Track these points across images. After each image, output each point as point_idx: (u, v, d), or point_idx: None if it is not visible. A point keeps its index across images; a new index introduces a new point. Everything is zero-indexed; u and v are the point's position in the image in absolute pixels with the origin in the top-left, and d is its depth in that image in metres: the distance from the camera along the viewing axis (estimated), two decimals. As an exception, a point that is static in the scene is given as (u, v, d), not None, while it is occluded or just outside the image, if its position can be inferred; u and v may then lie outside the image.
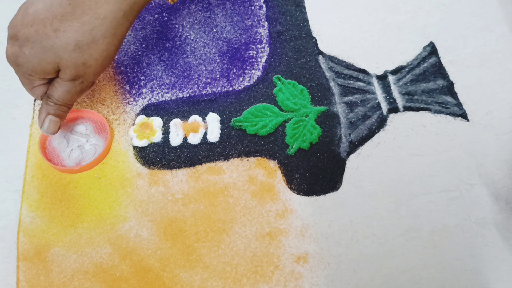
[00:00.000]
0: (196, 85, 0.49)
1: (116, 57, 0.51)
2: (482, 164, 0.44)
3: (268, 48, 0.51)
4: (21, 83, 0.40)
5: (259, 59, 0.51)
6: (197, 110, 0.48)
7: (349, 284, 0.39)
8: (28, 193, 0.44)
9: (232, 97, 0.48)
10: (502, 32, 0.51)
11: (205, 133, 0.46)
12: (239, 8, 0.54)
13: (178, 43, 0.52)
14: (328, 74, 0.49)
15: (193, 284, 0.40)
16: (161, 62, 0.51)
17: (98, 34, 0.37)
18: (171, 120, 0.47)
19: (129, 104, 0.49)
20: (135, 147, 0.46)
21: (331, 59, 0.50)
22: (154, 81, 0.50)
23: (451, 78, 0.49)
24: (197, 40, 0.52)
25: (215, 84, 0.49)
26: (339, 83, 0.49)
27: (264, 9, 0.54)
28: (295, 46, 0.51)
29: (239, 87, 0.49)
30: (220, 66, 0.51)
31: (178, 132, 0.46)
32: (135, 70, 0.51)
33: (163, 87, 0.50)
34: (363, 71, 0.50)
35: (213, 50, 0.52)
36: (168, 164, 0.45)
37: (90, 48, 0.37)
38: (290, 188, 0.44)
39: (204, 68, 0.51)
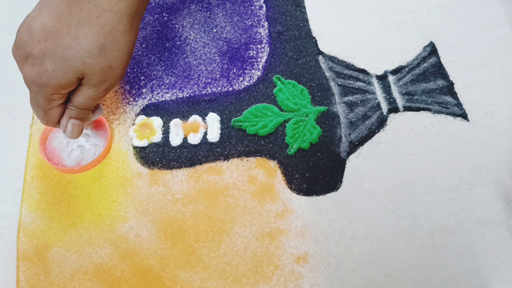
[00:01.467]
0: (196, 85, 0.49)
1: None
2: (482, 164, 0.44)
3: (268, 48, 0.51)
4: (37, 108, 0.37)
5: (259, 59, 0.51)
6: (197, 110, 0.48)
7: (349, 284, 0.39)
8: (28, 193, 0.44)
9: (232, 97, 0.48)
10: (502, 32, 0.51)
11: (205, 133, 0.46)
12: (239, 8, 0.54)
13: (178, 43, 0.52)
14: (328, 74, 0.49)
15: (193, 284, 0.40)
16: (161, 62, 0.51)
17: (118, 33, 0.36)
18: (171, 120, 0.47)
19: (129, 104, 0.49)
20: (135, 147, 0.46)
21: (331, 59, 0.50)
22: (154, 81, 0.50)
23: (451, 78, 0.49)
24: (197, 40, 0.52)
25: (215, 84, 0.49)
26: (339, 83, 0.49)
27: (264, 9, 0.54)
28: (295, 46, 0.51)
29: (239, 87, 0.49)
30: (220, 66, 0.51)
31: (178, 132, 0.46)
32: (135, 70, 0.51)
33: (163, 87, 0.50)
34: (363, 71, 0.50)
35: (213, 50, 0.52)
36: (168, 164, 0.45)
37: (113, 49, 0.36)
38: (290, 188, 0.44)
39: (204, 68, 0.51)
